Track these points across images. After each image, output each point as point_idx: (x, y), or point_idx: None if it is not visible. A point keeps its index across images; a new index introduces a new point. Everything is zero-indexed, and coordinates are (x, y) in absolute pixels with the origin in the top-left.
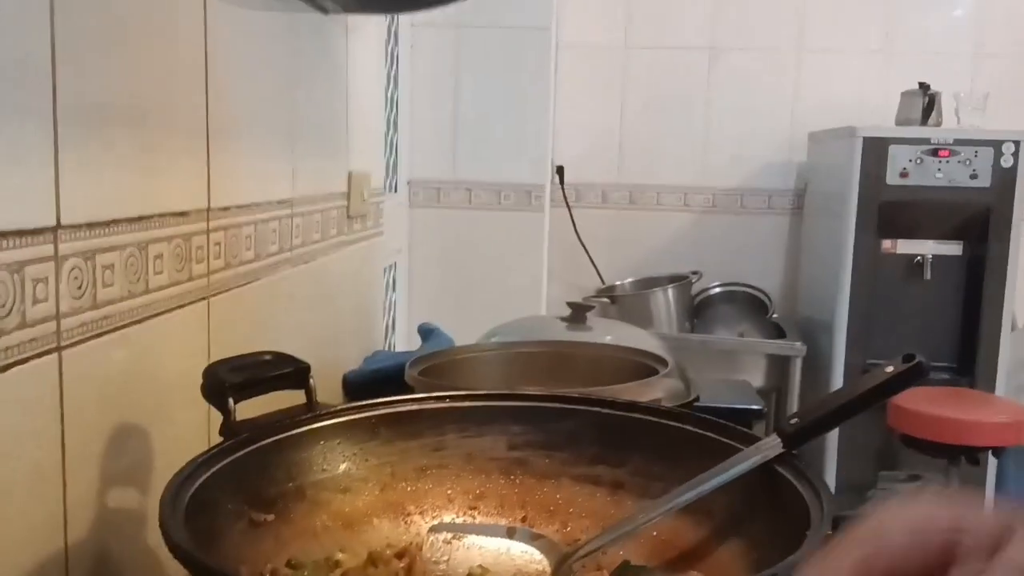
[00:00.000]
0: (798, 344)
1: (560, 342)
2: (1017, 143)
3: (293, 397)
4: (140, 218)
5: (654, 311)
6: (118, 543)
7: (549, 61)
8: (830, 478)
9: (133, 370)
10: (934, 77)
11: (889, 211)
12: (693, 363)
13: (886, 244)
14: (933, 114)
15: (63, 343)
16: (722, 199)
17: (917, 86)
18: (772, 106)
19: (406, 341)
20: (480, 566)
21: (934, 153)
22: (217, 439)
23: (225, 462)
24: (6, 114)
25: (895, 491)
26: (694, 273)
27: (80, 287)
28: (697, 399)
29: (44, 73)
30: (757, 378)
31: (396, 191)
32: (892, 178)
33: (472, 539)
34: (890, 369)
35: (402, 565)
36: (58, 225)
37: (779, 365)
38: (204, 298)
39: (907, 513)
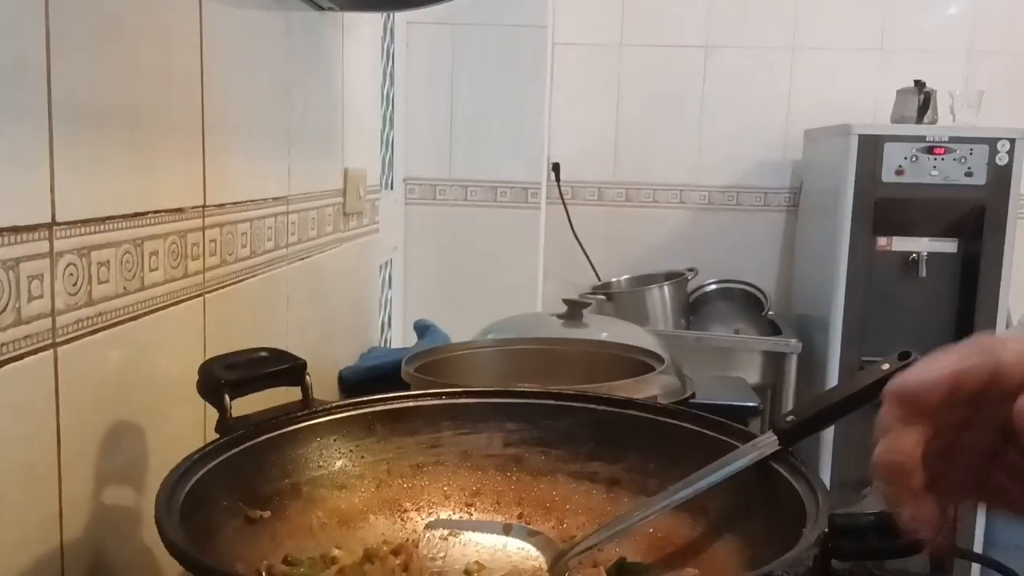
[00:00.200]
0: (794, 341)
1: (556, 339)
2: (1012, 141)
3: (289, 394)
4: (135, 215)
5: (650, 308)
6: (114, 541)
7: (545, 59)
8: (825, 474)
9: (129, 367)
10: (929, 75)
11: (884, 208)
12: (689, 360)
13: (881, 241)
14: (928, 112)
15: (58, 340)
16: (718, 196)
17: (912, 84)
18: (767, 104)
19: (402, 338)
20: (477, 563)
21: (929, 151)
22: (213, 436)
23: (221, 459)
24: (1, 112)
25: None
26: (690, 270)
27: (75, 284)
28: (693, 396)
29: (39, 71)
30: (753, 375)
31: (392, 188)
32: (887, 175)
33: (468, 536)
34: (886, 366)
35: (398, 562)
36: (53, 222)
37: (775, 362)
38: (200, 295)
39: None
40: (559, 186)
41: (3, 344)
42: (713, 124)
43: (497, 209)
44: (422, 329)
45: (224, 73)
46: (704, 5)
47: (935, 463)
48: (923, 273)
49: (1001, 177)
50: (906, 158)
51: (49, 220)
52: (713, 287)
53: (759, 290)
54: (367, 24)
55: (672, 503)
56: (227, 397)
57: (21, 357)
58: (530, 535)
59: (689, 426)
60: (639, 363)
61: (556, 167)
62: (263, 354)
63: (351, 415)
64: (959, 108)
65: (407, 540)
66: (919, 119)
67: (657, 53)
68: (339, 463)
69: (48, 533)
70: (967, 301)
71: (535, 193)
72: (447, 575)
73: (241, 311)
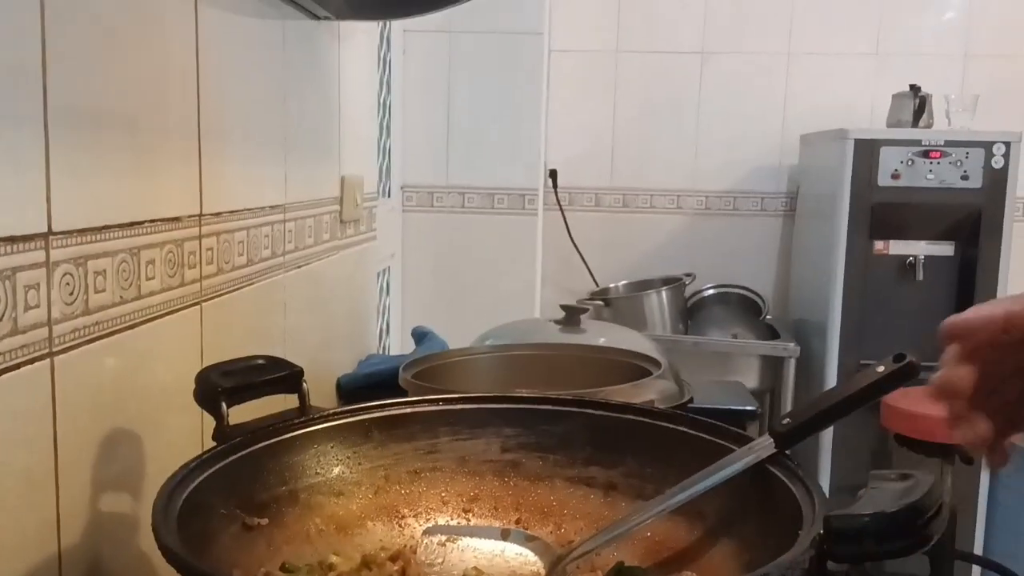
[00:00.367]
0: (791, 345)
1: (554, 344)
2: (1008, 144)
3: (286, 401)
4: (132, 224)
5: (647, 313)
6: (111, 548)
7: (542, 66)
8: (823, 478)
9: (126, 376)
10: (925, 79)
11: (881, 212)
12: (687, 365)
13: (878, 245)
14: (924, 116)
15: (55, 349)
16: (715, 202)
17: (908, 88)
18: (763, 109)
19: (400, 345)
20: (475, 568)
21: (925, 155)
22: (210, 444)
23: (218, 466)
24: None
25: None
26: (687, 275)
27: (72, 293)
28: (691, 400)
29: (35, 79)
30: (751, 379)
31: (389, 196)
32: (884, 180)
33: (466, 541)
34: (881, 369)
35: (396, 568)
36: (49, 231)
37: (772, 366)
38: (197, 303)
39: None
40: (556, 192)
41: (0, 353)
42: (710, 129)
43: (494, 216)
44: (420, 336)
45: (220, 81)
46: (700, 11)
47: (985, 399)
48: (920, 276)
49: (997, 180)
50: (902, 162)
51: (45, 230)
52: (711, 292)
53: (757, 294)
54: (363, 32)
55: (669, 507)
56: (224, 405)
57: (18, 366)
58: (528, 540)
59: (687, 430)
60: (637, 368)
61: (553, 173)
62: (260, 362)
63: (348, 422)
64: (955, 112)
65: (405, 546)
66: (915, 123)
67: (653, 59)
68: (336, 470)
69: (45, 540)
70: (964, 304)
71: (532, 199)
72: None
73: (238, 319)
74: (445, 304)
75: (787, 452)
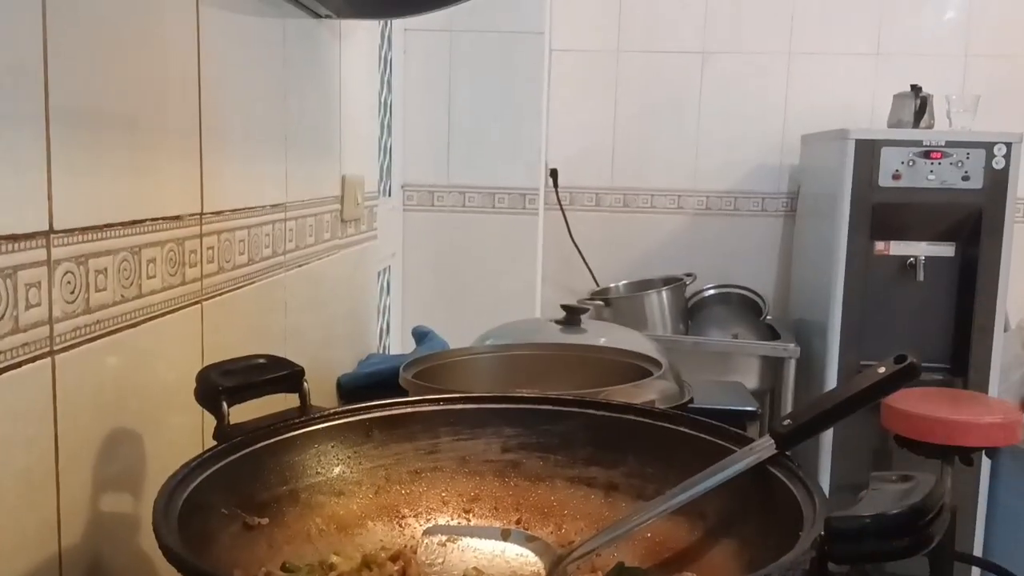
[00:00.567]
0: (792, 345)
1: (554, 344)
2: (1009, 145)
3: (287, 401)
4: (133, 222)
5: (648, 313)
6: (112, 548)
7: (542, 65)
8: (824, 479)
9: (126, 374)
10: (925, 79)
11: (882, 213)
12: (687, 365)
13: (879, 246)
14: (925, 116)
15: (56, 348)
16: (715, 202)
17: (909, 88)
18: (764, 109)
19: (400, 344)
20: (475, 568)
21: (926, 155)
22: (211, 443)
23: (219, 466)
24: None
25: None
26: (688, 275)
27: (73, 291)
28: (691, 401)
29: (36, 78)
30: (751, 380)
31: (390, 195)
32: (884, 180)
33: (467, 541)
34: (882, 370)
35: (396, 568)
36: (51, 230)
37: (773, 367)
38: (197, 302)
39: None
40: (557, 192)
41: (1, 352)
42: (710, 129)
43: (495, 215)
44: (420, 335)
45: (221, 80)
46: (700, 11)
47: None
48: (921, 277)
49: (998, 181)
50: (903, 162)
51: (46, 228)
52: (711, 292)
53: (757, 295)
54: (364, 31)
55: (670, 508)
56: (225, 404)
57: (19, 365)
58: (528, 540)
59: (687, 431)
60: (637, 368)
61: (554, 173)
62: (261, 361)
63: (349, 421)
64: (955, 112)
65: (405, 546)
66: (916, 123)
67: (654, 59)
68: (337, 469)
69: (46, 540)
70: (965, 305)
71: (533, 199)
72: None
73: (239, 318)
74: (445, 303)
75: (788, 453)
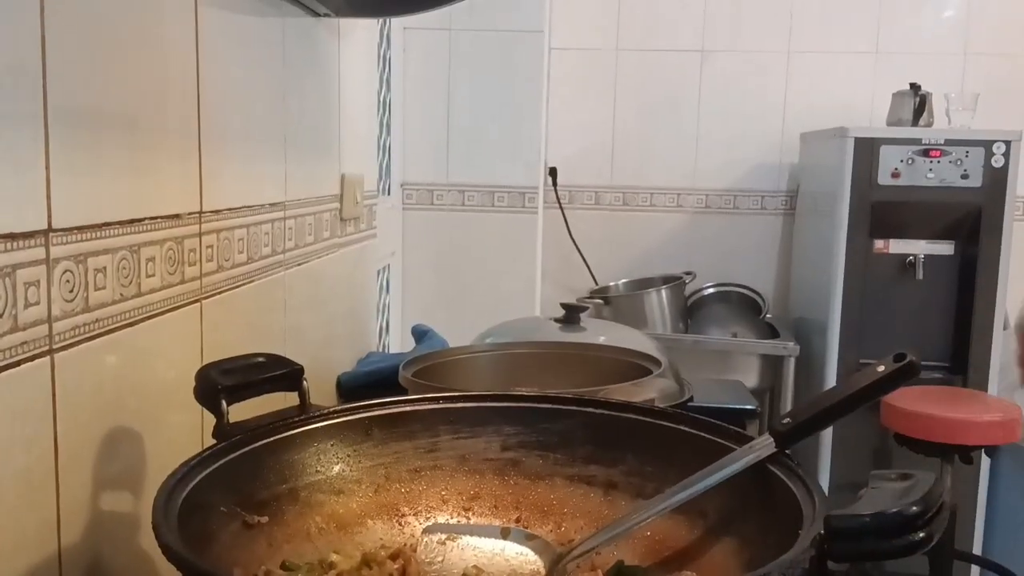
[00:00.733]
0: (791, 344)
1: (554, 343)
2: (1008, 143)
3: (287, 399)
4: (132, 221)
5: (648, 312)
6: (112, 547)
7: (541, 64)
8: (823, 477)
9: (126, 373)
10: (925, 77)
11: (881, 211)
12: (687, 363)
13: (878, 244)
14: (924, 114)
15: (55, 346)
16: (715, 200)
17: (908, 87)
18: (763, 107)
19: (400, 343)
20: (475, 567)
21: (925, 153)
22: (210, 441)
23: (218, 464)
24: None
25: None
26: (687, 274)
27: (72, 290)
28: (691, 399)
29: (35, 77)
30: (751, 378)
31: (389, 193)
32: (884, 178)
33: (467, 540)
34: (881, 368)
35: (396, 566)
36: (49, 228)
37: (772, 365)
38: (197, 301)
39: None
40: (556, 190)
41: (0, 351)
42: (709, 128)
43: (494, 214)
44: (420, 334)
45: (220, 79)
46: (699, 9)
47: None
48: (920, 275)
49: (997, 179)
50: (902, 161)
51: (45, 227)
52: (711, 290)
53: (757, 293)
54: (363, 30)
55: (669, 506)
56: (224, 402)
57: (18, 363)
58: (528, 539)
59: (687, 429)
60: (637, 367)
61: (553, 171)
62: (260, 359)
63: (348, 420)
64: (955, 111)
65: (405, 544)
66: (915, 122)
67: (653, 57)
68: (337, 468)
69: (46, 539)
70: (964, 303)
71: (532, 197)
72: None
73: (238, 317)
74: (445, 302)
75: (787, 451)
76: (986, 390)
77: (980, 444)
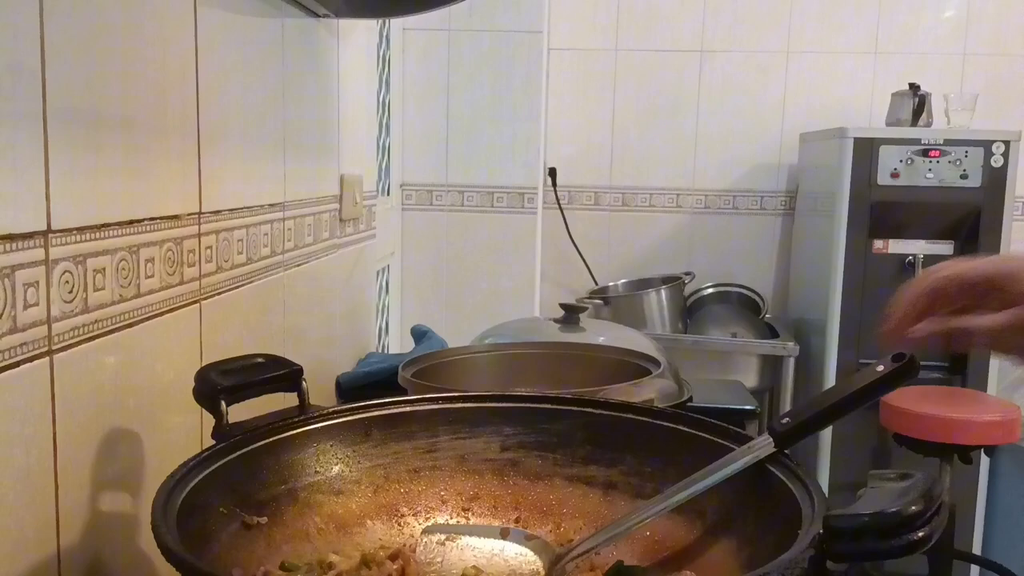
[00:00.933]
0: (791, 344)
1: (553, 343)
2: (1007, 143)
3: (286, 400)
4: (131, 222)
5: (647, 312)
6: (111, 547)
7: (541, 64)
8: (823, 477)
9: (125, 374)
10: (924, 78)
11: (880, 211)
12: (686, 364)
13: (877, 244)
14: (923, 115)
15: (54, 347)
16: (714, 200)
17: (907, 87)
18: (763, 107)
19: (399, 343)
20: (474, 567)
21: (924, 153)
22: (210, 442)
23: (217, 465)
24: None
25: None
26: (687, 274)
27: (71, 291)
28: (690, 399)
29: (34, 78)
30: (750, 378)
31: (388, 194)
32: (883, 178)
33: (466, 540)
34: (881, 368)
35: (395, 567)
36: (49, 229)
37: (772, 365)
38: (196, 302)
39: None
40: (555, 191)
41: None
42: (709, 128)
43: (494, 214)
44: (419, 334)
45: (219, 79)
46: (699, 10)
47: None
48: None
49: (996, 179)
50: (901, 161)
51: (44, 228)
52: (710, 291)
53: (756, 293)
54: (363, 30)
55: (668, 506)
56: (223, 403)
57: (17, 364)
58: (527, 539)
59: (686, 429)
60: (636, 367)
61: (552, 172)
62: (259, 360)
63: (348, 420)
64: (954, 111)
65: (404, 545)
66: (914, 122)
67: (652, 58)
68: (336, 468)
69: (45, 539)
70: None
71: (531, 198)
72: None
73: (237, 318)
74: (444, 303)
75: (786, 451)
76: (985, 390)
77: (979, 444)
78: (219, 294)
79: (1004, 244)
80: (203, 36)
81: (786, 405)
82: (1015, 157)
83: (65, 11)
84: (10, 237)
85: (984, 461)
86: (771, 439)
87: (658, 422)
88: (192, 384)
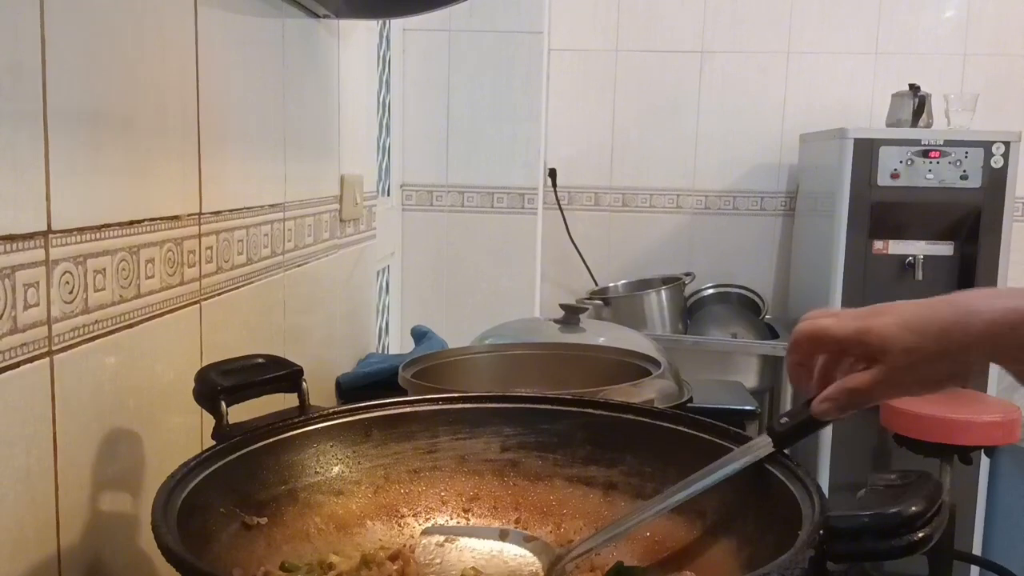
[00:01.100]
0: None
1: (553, 344)
2: (1007, 144)
3: (286, 400)
4: (131, 222)
5: (647, 312)
6: (111, 547)
7: (541, 65)
8: (823, 478)
9: (125, 374)
10: (924, 78)
11: (880, 212)
12: (686, 364)
13: (877, 245)
14: (923, 115)
15: (55, 348)
16: (714, 201)
17: (907, 87)
18: (763, 108)
19: (399, 344)
20: (473, 568)
21: (924, 154)
22: (210, 443)
23: (217, 465)
24: None
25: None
26: (687, 275)
27: (71, 292)
28: (690, 400)
29: (35, 78)
30: (750, 379)
31: (389, 194)
32: (883, 179)
33: (465, 542)
34: None
35: (395, 567)
36: (49, 230)
37: (772, 366)
38: (196, 302)
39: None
40: (556, 191)
41: None
42: (709, 129)
43: (494, 215)
44: (419, 335)
45: (220, 80)
46: (699, 10)
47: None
48: (919, 276)
49: (996, 180)
50: (901, 161)
51: (45, 228)
52: (710, 291)
53: (756, 294)
54: (363, 31)
55: (668, 507)
56: (223, 403)
57: (17, 365)
58: (526, 540)
59: (686, 430)
60: (636, 367)
61: (553, 172)
62: (259, 361)
63: (348, 421)
64: (954, 111)
65: (404, 545)
66: (914, 122)
67: (653, 58)
68: (336, 469)
69: (45, 539)
70: None
71: (532, 199)
72: None
73: (237, 318)
74: (444, 303)
75: (786, 452)
76: (985, 391)
77: (979, 444)
78: (219, 294)
79: (1004, 244)
80: (203, 36)
81: (786, 405)
82: (1015, 158)
83: (65, 11)
84: (10, 237)
85: (984, 461)
86: (770, 439)
87: (658, 423)
88: (192, 384)
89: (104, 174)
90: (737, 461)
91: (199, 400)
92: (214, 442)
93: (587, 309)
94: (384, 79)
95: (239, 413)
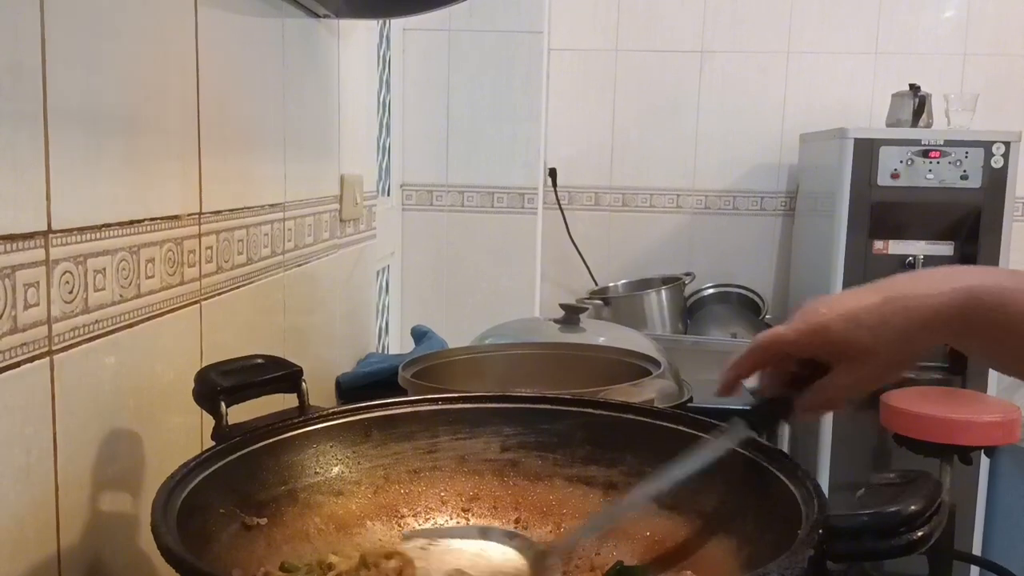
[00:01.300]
0: None
1: (553, 344)
2: (1007, 144)
3: (286, 401)
4: (131, 222)
5: (647, 312)
6: (111, 548)
7: (541, 64)
8: (823, 477)
9: (125, 374)
10: (924, 78)
11: (880, 212)
12: (686, 364)
13: (877, 245)
14: (923, 115)
15: (55, 348)
16: (714, 201)
17: (907, 87)
18: (763, 108)
19: (399, 344)
20: (457, 570)
21: (925, 154)
22: (210, 443)
23: (217, 466)
24: None
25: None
26: (687, 274)
27: (72, 291)
28: (690, 400)
29: (35, 78)
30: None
31: (389, 194)
32: (883, 179)
33: (447, 543)
34: None
35: (395, 567)
36: (49, 230)
37: None
38: (196, 302)
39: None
40: (556, 191)
41: None
42: (709, 129)
43: (494, 214)
44: (419, 335)
45: (220, 80)
46: (699, 10)
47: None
48: None
49: (996, 180)
50: (902, 161)
51: (45, 228)
52: (710, 291)
53: (756, 294)
54: (363, 31)
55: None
56: (223, 404)
57: (17, 365)
58: (509, 537)
59: (686, 430)
60: (636, 367)
61: (553, 172)
62: (259, 361)
63: (348, 421)
64: (954, 111)
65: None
66: (914, 122)
67: (653, 58)
68: (336, 469)
69: (45, 540)
70: None
71: (532, 198)
72: None
73: (237, 318)
74: (444, 303)
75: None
76: (985, 391)
77: (979, 444)
78: (219, 294)
79: (1004, 244)
80: (204, 36)
81: None
82: (1015, 158)
83: (65, 11)
84: (10, 237)
85: (984, 461)
86: (744, 421)
87: (658, 422)
88: (192, 385)
89: (104, 174)
90: (714, 443)
91: (199, 400)
92: (214, 442)
93: (587, 309)
94: (384, 79)
95: (239, 413)
